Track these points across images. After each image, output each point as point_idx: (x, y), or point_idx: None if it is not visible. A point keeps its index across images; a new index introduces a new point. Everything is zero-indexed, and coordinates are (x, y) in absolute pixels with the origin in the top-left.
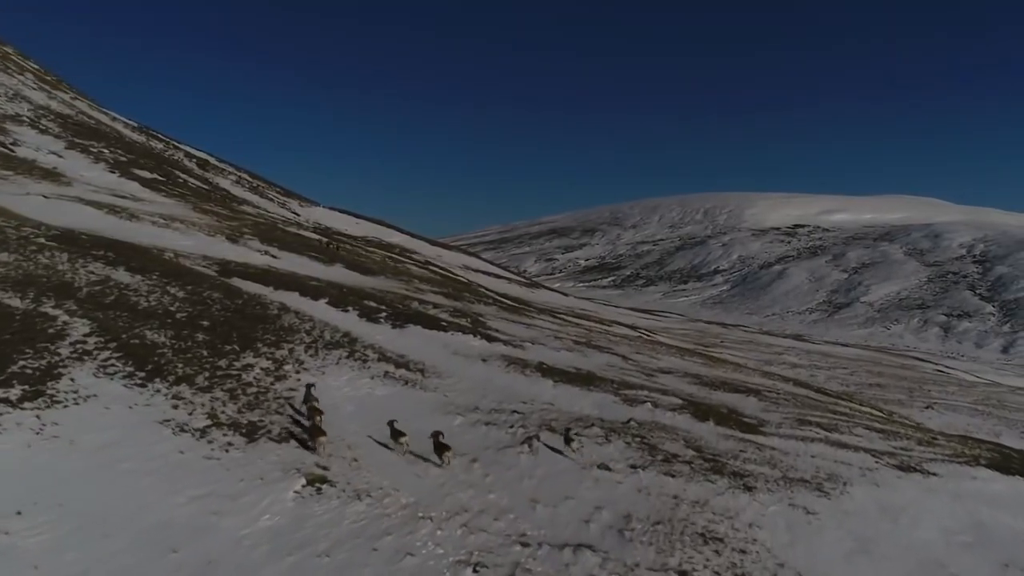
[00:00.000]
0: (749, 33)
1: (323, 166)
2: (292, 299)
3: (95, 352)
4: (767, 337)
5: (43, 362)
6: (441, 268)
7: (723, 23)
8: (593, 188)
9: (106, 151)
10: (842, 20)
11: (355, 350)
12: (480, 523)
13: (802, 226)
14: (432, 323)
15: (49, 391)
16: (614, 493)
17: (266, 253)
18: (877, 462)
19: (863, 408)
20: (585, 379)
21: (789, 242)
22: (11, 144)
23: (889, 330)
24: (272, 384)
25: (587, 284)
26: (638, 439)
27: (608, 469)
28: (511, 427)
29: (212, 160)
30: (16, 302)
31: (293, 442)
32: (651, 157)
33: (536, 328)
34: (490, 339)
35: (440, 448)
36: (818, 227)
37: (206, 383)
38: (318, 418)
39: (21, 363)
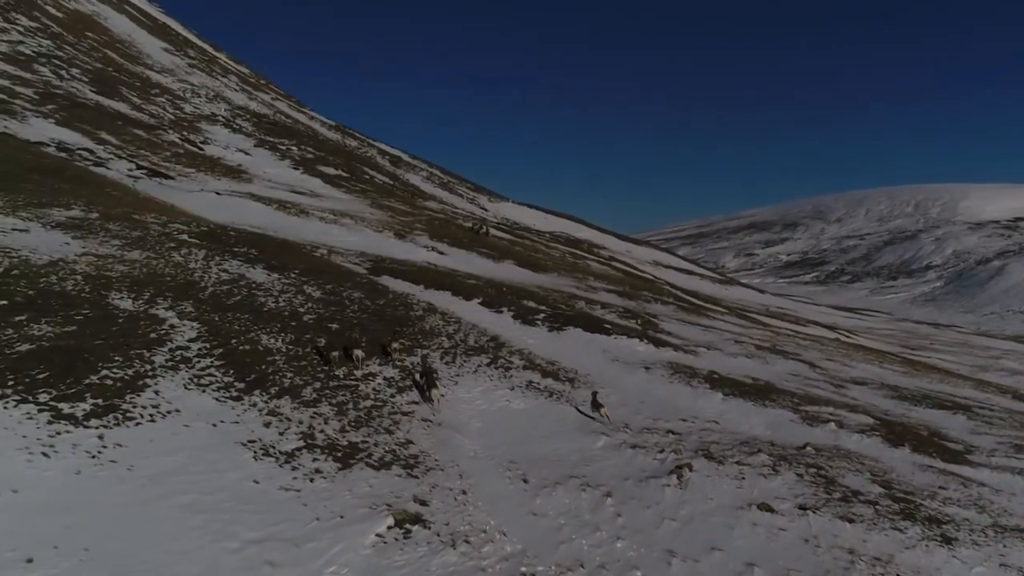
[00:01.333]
0: (964, 8)
1: (523, 168)
2: (442, 299)
3: (195, 360)
4: (983, 339)
5: (129, 371)
6: (625, 264)
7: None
8: (794, 181)
9: (295, 149)
10: None
11: (499, 356)
12: None
13: None
14: (595, 325)
15: (124, 405)
16: (774, 544)
17: (432, 249)
18: None
19: None
20: (761, 392)
21: (1010, 236)
22: (201, 142)
23: None
24: (392, 396)
25: (788, 280)
26: (813, 470)
27: (770, 510)
28: (661, 451)
29: (405, 157)
30: (127, 303)
31: (395, 468)
32: (856, 148)
33: (714, 331)
34: (658, 343)
35: (597, 406)
36: None
37: (313, 395)
38: (435, 375)
39: (104, 372)
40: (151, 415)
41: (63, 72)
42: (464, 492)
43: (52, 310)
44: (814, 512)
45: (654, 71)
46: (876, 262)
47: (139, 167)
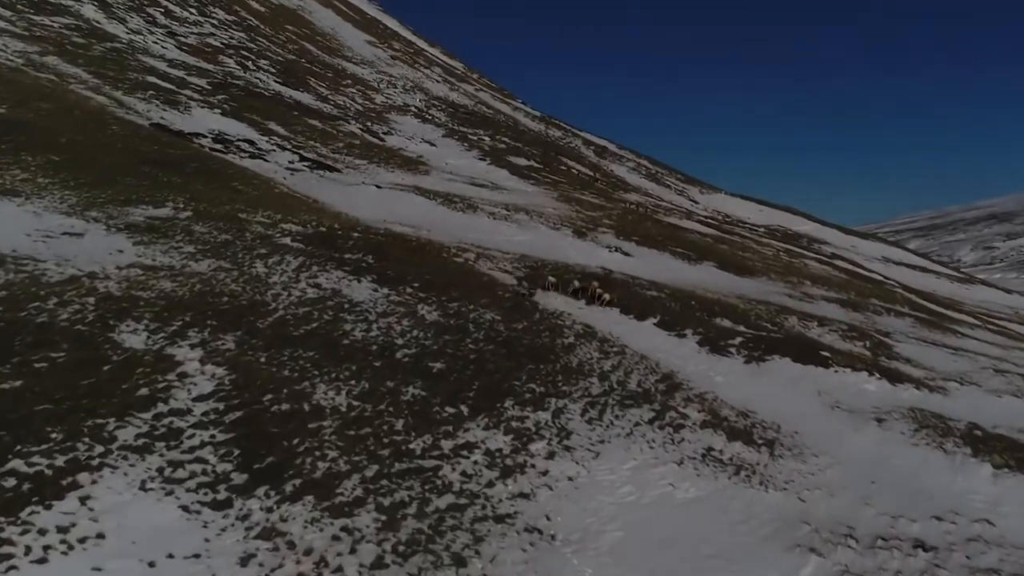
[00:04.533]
0: None
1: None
2: (606, 319)
3: (187, 433)
4: None
5: (63, 458)
6: (850, 263)
7: None
8: None
9: (487, 139)
10: None
11: (668, 407)
12: None
13: None
14: (808, 352)
15: (8, 531)
16: None
17: (617, 250)
18: None
19: None
20: None
21: None
22: (384, 133)
23: None
24: (487, 486)
25: None
26: None
27: None
28: None
29: (612, 147)
30: (138, 338)
31: None
32: None
33: (966, 355)
34: (893, 378)
35: None
36: None
37: (357, 492)
38: None
39: (18, 461)
40: (44, 550)
41: (249, 63)
42: None
43: (11, 352)
44: None
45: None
46: None
47: (303, 159)
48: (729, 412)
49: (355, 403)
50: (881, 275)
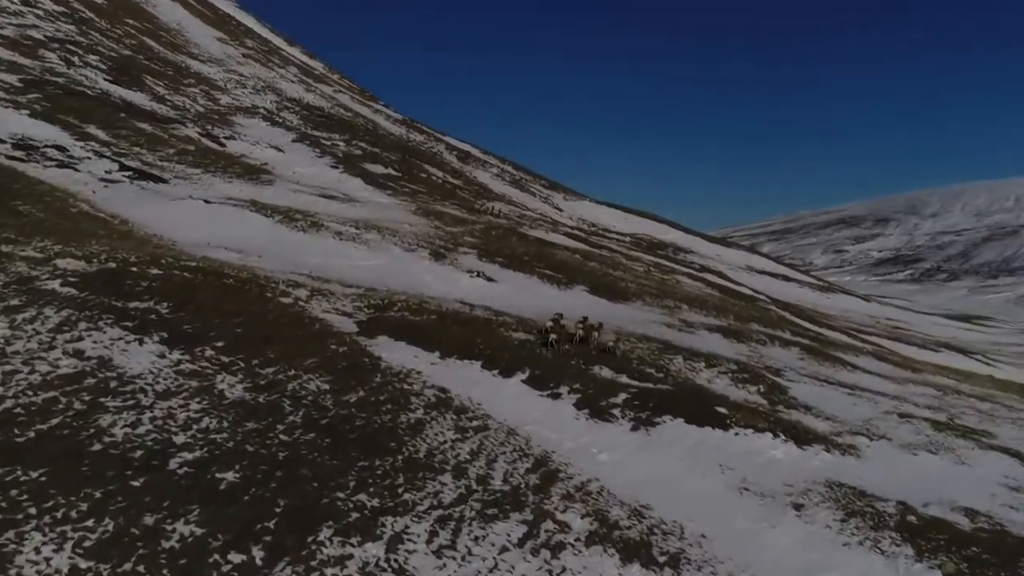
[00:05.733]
0: None
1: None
2: (465, 377)
3: None
4: None
5: None
6: (719, 275)
7: None
8: (886, 175)
9: (342, 144)
10: None
11: (544, 513)
12: None
13: None
14: (703, 408)
15: None
16: None
17: (479, 274)
18: None
19: None
20: (1002, 557)
21: None
22: (226, 137)
23: None
24: None
25: (880, 278)
26: None
27: None
28: None
29: (475, 152)
30: None
31: None
32: (952, 140)
33: (863, 393)
34: (801, 440)
35: None
36: None
37: None
38: None
39: None
40: None
41: (75, 59)
42: None
43: None
44: None
45: (734, 52)
46: (974, 260)
47: (123, 168)
48: (620, 513)
49: (84, 565)
50: (750, 288)
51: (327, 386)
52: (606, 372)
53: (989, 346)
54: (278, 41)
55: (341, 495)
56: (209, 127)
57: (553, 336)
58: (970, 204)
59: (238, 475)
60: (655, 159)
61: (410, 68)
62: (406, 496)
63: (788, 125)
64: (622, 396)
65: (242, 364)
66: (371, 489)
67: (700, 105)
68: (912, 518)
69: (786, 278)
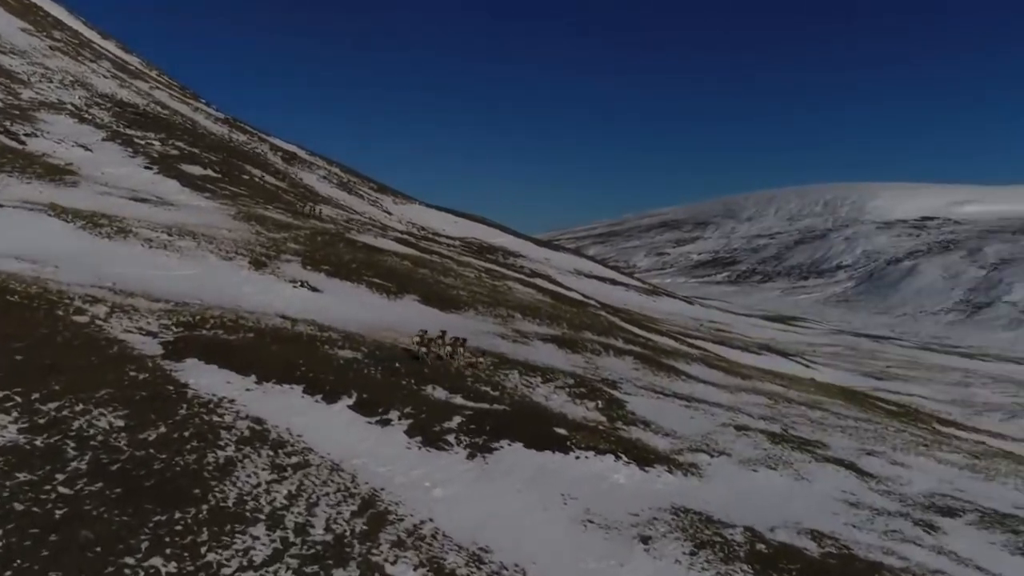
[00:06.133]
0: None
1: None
2: (284, 405)
3: None
4: (927, 354)
5: None
6: (549, 279)
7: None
8: (705, 180)
9: (157, 143)
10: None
11: (372, 564)
12: None
13: (931, 218)
14: (542, 431)
15: None
16: None
17: (303, 284)
18: None
19: None
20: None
21: (918, 236)
22: (26, 135)
23: None
24: None
25: (700, 280)
26: None
27: None
28: None
29: (301, 153)
30: None
31: None
32: (766, 147)
33: (699, 405)
34: (643, 461)
35: None
36: (949, 219)
37: None
38: None
39: None
40: None
41: None
42: None
43: None
44: None
45: (557, 43)
46: (787, 261)
47: None
48: (457, 559)
49: None
50: (580, 293)
51: (121, 422)
52: (439, 392)
53: (806, 347)
54: (91, 34)
55: (130, 560)
56: (8, 123)
57: (423, 349)
58: (783, 208)
59: None
60: (481, 159)
61: (232, 62)
62: (210, 556)
63: (612, 131)
64: (456, 420)
65: (18, 400)
66: (168, 550)
67: (523, 107)
68: (761, 546)
69: (613, 281)
